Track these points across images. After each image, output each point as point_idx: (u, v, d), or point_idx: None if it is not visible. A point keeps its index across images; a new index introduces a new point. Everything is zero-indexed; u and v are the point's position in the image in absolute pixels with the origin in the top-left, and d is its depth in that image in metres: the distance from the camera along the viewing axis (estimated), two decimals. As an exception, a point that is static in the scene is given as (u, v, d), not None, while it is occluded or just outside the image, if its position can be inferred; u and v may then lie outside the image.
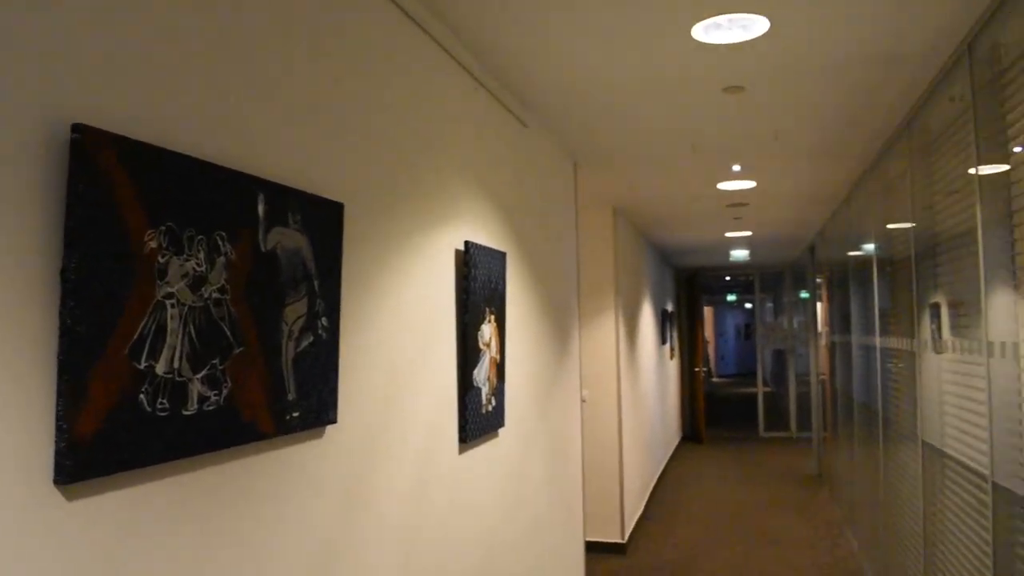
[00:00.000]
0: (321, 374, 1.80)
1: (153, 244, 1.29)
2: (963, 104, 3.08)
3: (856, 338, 5.96)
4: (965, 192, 3.12)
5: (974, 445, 3.07)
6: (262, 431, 1.58)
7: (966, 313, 3.27)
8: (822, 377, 9.01)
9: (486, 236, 3.08)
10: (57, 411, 1.14)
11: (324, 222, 1.81)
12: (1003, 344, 2.74)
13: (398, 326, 2.25)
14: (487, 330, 3.02)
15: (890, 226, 4.61)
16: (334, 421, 1.86)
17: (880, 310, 4.98)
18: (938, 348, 3.65)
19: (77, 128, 1.17)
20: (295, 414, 1.70)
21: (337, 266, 1.87)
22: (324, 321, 1.81)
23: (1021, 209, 2.65)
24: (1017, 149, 2.68)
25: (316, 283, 1.78)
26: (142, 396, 1.27)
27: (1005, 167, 2.74)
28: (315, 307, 1.78)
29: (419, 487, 2.37)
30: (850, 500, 6.57)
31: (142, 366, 1.27)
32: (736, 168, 4.98)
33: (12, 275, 1.10)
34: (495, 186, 3.21)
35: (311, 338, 1.76)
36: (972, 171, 2.89)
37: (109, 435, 1.21)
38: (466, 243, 2.78)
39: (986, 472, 2.85)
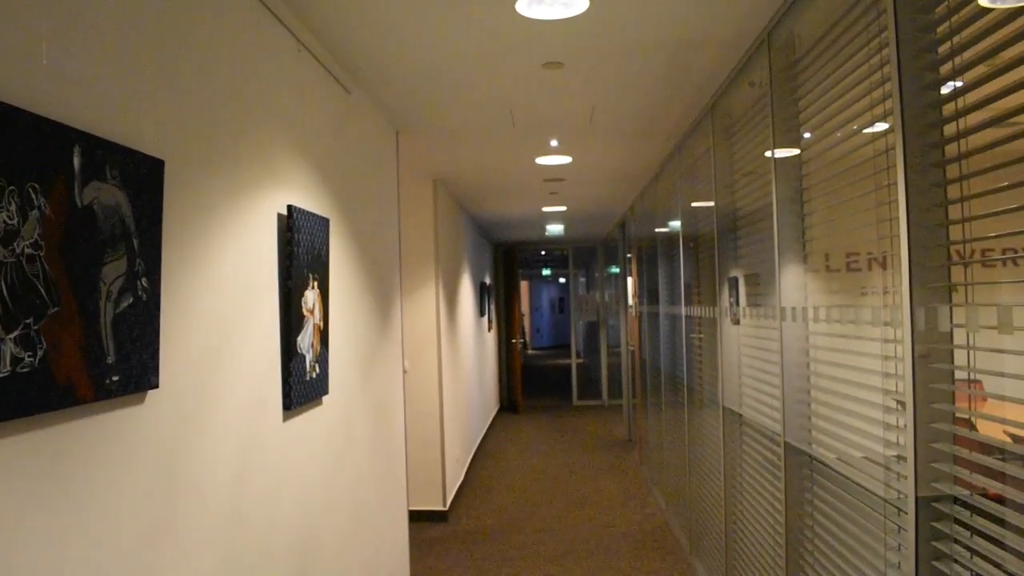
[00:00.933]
0: (141, 336, 1.75)
1: (-41, 193, 1.22)
2: (761, 90, 3.38)
3: (663, 309, 6.38)
4: (762, 173, 3.43)
5: (769, 408, 3.41)
6: (80, 395, 1.52)
7: (760, 283, 3.61)
8: (631, 348, 9.55)
9: (309, 201, 3.06)
10: None
11: (144, 178, 1.75)
12: (793, 309, 3.06)
13: (220, 289, 2.20)
14: (311, 296, 3.01)
15: (694, 204, 4.97)
16: (156, 386, 1.82)
17: (685, 284, 5.36)
18: (735, 318, 4.00)
19: None
20: (115, 378, 1.65)
21: (157, 225, 1.81)
22: (144, 282, 1.76)
23: (809, 188, 2.96)
24: (807, 135, 2.98)
25: (135, 242, 1.72)
26: (-52, 355, 1.20)
27: (796, 151, 3.05)
28: (135, 267, 1.72)
29: (243, 455, 2.34)
30: (659, 462, 7.04)
31: (-52, 323, 1.20)
32: (554, 143, 5.17)
33: None
34: (319, 152, 3.19)
35: (131, 299, 1.71)
36: (768, 154, 3.18)
37: (-88, 396, 1.14)
38: (289, 207, 2.75)
39: (779, 432, 3.18)
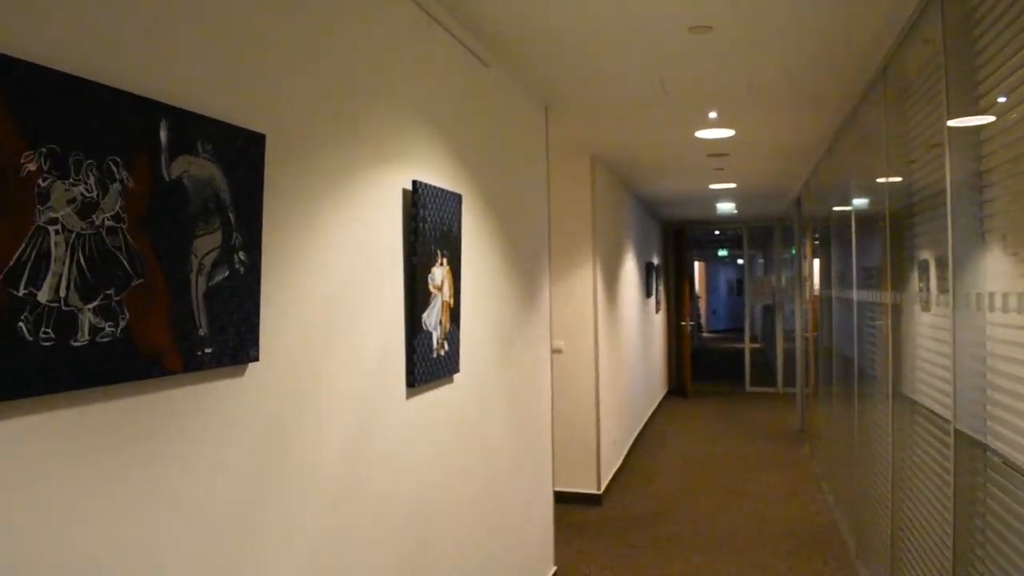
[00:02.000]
0: (239, 310, 1.77)
1: (31, 166, 1.25)
2: (935, 48, 3.01)
3: (840, 293, 5.95)
4: (935, 145, 3.06)
5: (940, 393, 3.06)
6: (167, 367, 1.55)
7: (945, 266, 3.23)
8: (808, 334, 9.03)
9: (439, 177, 3.04)
10: (-79, 336, 1.11)
11: (241, 153, 1.77)
12: (967, 295, 2.71)
13: (333, 264, 2.21)
14: (439, 273, 2.99)
15: (869, 180, 4.56)
16: (256, 359, 1.84)
17: (862, 266, 4.95)
18: (925, 304, 3.62)
19: (-64, 39, 1.12)
20: (208, 350, 1.67)
21: (257, 199, 1.83)
22: (242, 255, 1.78)
23: (994, 169, 2.57)
24: (1002, 99, 2.57)
25: (232, 215, 1.74)
26: (21, 324, 1.24)
27: (978, 120, 2.67)
28: (231, 240, 1.74)
29: (359, 432, 2.36)
30: (829, 457, 6.62)
31: (21, 293, 1.24)
32: (713, 115, 4.92)
33: None
34: (451, 127, 3.16)
35: (226, 272, 1.73)
36: (945, 123, 2.82)
37: (-18, 362, 1.18)
38: (414, 183, 2.74)
39: (949, 418, 2.85)
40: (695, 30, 3.34)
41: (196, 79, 1.67)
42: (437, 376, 2.98)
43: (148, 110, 1.50)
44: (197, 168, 1.63)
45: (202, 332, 1.65)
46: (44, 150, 1.28)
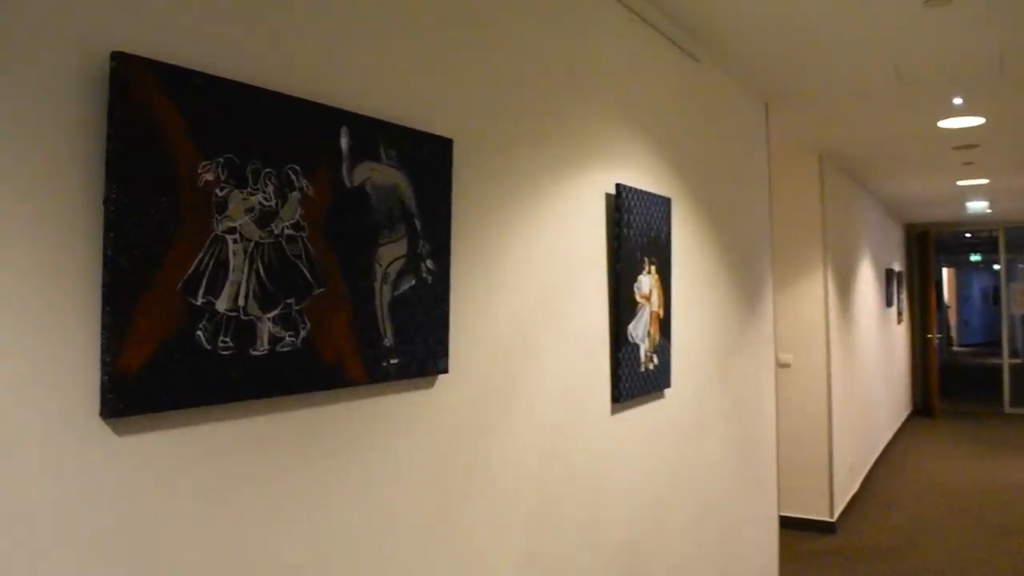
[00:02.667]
0: (427, 320, 1.72)
1: (209, 176, 1.25)
2: None
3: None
4: None
5: None
6: (350, 377, 1.52)
7: None
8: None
9: (645, 179, 2.88)
10: (102, 343, 1.13)
11: (428, 158, 1.71)
12: None
13: (530, 273, 2.12)
14: (646, 282, 2.83)
15: None
16: (445, 371, 1.78)
17: None
18: None
19: (116, 56, 1.13)
20: (393, 361, 1.63)
21: (445, 206, 1.77)
22: (429, 263, 1.72)
23: None
24: None
25: (418, 223, 1.69)
26: (199, 333, 1.24)
27: None
28: (417, 248, 1.69)
29: (557, 449, 2.24)
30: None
31: (199, 302, 1.24)
32: (958, 102, 4.37)
33: (55, 206, 1.09)
34: (658, 127, 2.99)
35: (412, 281, 1.68)
36: None
37: (160, 371, 1.18)
38: (617, 186, 2.60)
39: None
40: (931, 3, 2.94)
41: (377, 84, 1.63)
42: (645, 391, 2.81)
43: (327, 117, 1.47)
44: (380, 175, 1.59)
45: (387, 342, 1.61)
46: (221, 160, 1.27)
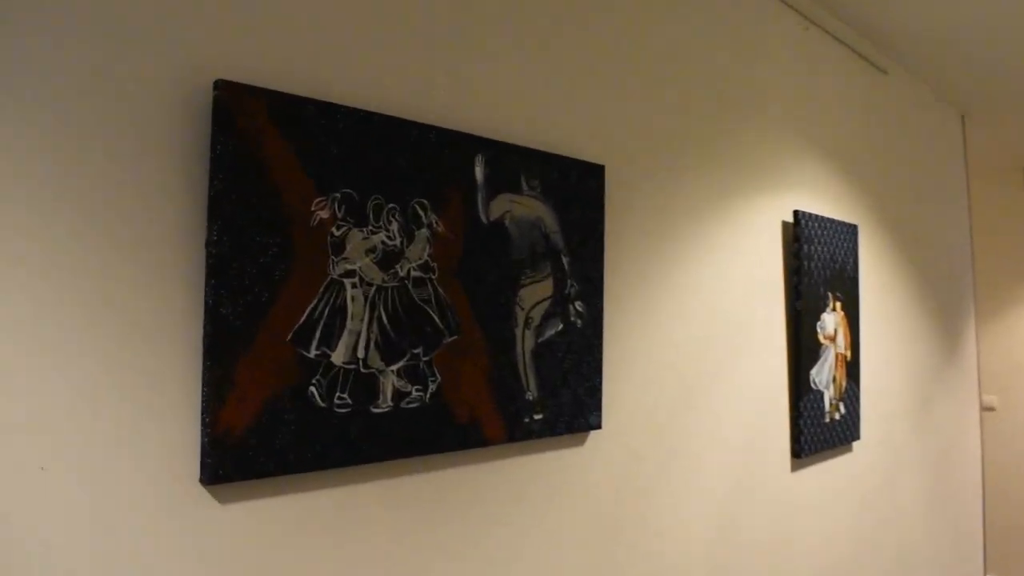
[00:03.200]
0: (576, 369, 1.52)
1: (324, 214, 1.12)
2: None
3: None
4: None
5: None
6: (486, 436, 1.34)
7: None
8: None
9: (826, 205, 2.57)
10: (201, 403, 1.01)
11: (575, 188, 1.53)
12: None
13: (694, 312, 1.88)
14: (830, 320, 2.51)
15: None
16: (598, 426, 1.57)
17: None
18: None
19: (219, 84, 1.02)
20: (537, 417, 1.44)
21: (597, 240, 1.58)
22: (578, 305, 1.53)
23: None
24: None
25: (565, 260, 1.50)
26: (312, 389, 1.10)
27: None
28: (565, 288, 1.50)
29: (728, 511, 1.98)
30: None
31: (312, 354, 1.10)
32: None
33: (155, 250, 0.98)
34: (840, 146, 2.67)
35: (559, 325, 1.49)
36: None
37: (267, 432, 1.05)
38: (796, 213, 2.32)
39: None
40: None
41: (516, 107, 1.47)
42: (830, 444, 2.48)
43: (459, 146, 1.31)
44: (521, 208, 1.42)
45: (530, 396, 1.42)
46: (338, 195, 1.14)
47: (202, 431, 1.00)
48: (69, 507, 0.90)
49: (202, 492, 1.01)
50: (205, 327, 1.00)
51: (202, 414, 1.00)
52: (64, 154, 0.91)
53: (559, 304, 1.49)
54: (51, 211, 0.89)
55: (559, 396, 1.48)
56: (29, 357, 0.87)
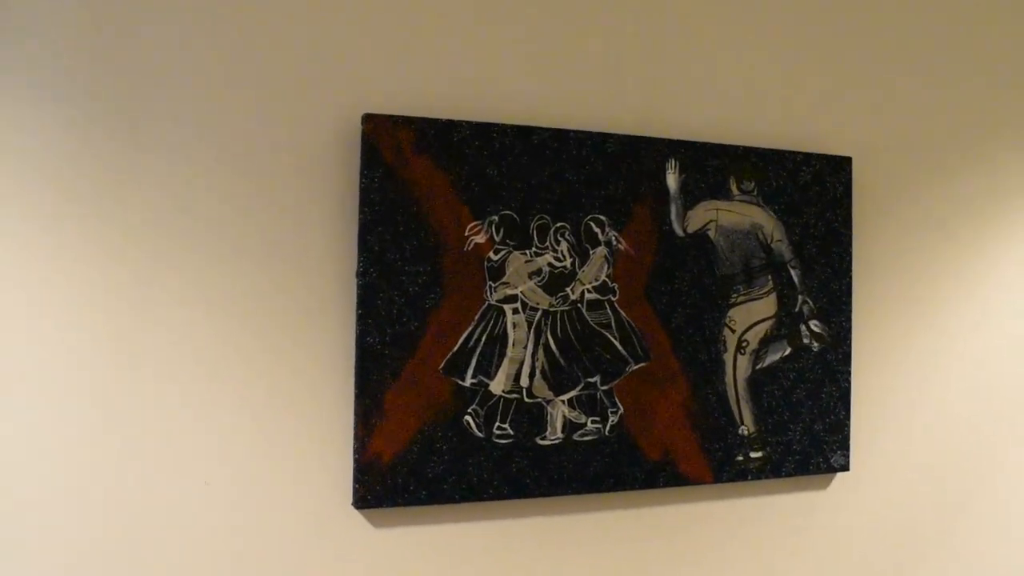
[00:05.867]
0: (811, 401, 1.45)
1: (479, 238, 1.21)
2: None
3: None
4: None
5: None
6: (685, 474, 1.34)
7: None
8: None
9: None
10: (355, 431, 1.15)
11: (809, 186, 1.46)
12: None
13: (978, 338, 1.68)
14: None
15: None
16: (843, 467, 1.49)
17: None
18: None
19: (366, 119, 1.16)
20: (754, 455, 1.40)
21: (841, 247, 1.49)
22: (814, 325, 1.46)
23: None
24: None
25: (794, 272, 1.44)
26: (468, 418, 1.20)
27: None
28: (794, 306, 1.44)
29: None
30: None
31: (467, 383, 1.20)
32: None
33: (311, 282, 1.15)
34: None
35: (786, 350, 1.44)
36: None
37: (418, 461, 1.16)
38: None
39: None
40: None
41: (718, 98, 1.43)
42: None
43: (641, 152, 1.32)
44: (731, 216, 1.39)
45: (745, 430, 1.39)
46: (495, 218, 1.22)
47: (353, 457, 1.14)
48: (229, 520, 1.09)
49: (354, 515, 1.15)
50: (356, 356, 1.14)
51: (354, 440, 1.14)
52: (229, 197, 1.10)
53: (786, 324, 1.43)
54: (229, 255, 1.09)
55: (786, 432, 1.43)
56: (208, 382, 1.08)
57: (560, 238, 1.26)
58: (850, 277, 1.49)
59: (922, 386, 1.58)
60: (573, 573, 1.28)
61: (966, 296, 1.65)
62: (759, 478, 1.40)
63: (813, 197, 1.46)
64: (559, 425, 1.25)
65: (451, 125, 1.20)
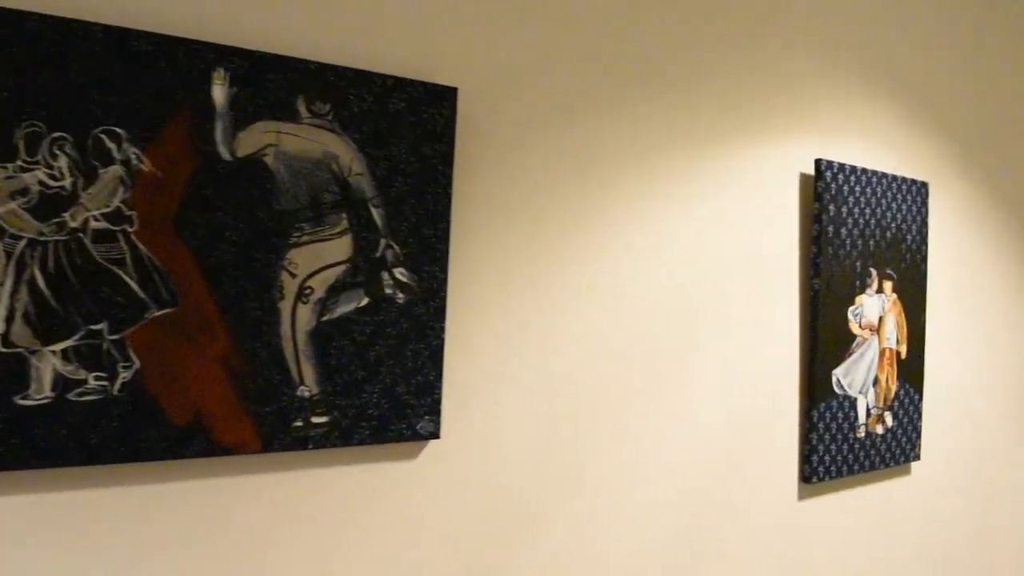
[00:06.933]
0: (395, 359, 1.34)
1: (-70, 141, 0.98)
2: None
3: None
4: None
5: None
6: (221, 441, 1.19)
7: None
8: None
9: (875, 152, 2.25)
10: None
11: (399, 117, 1.34)
12: None
13: (598, 290, 1.66)
14: (872, 305, 2.21)
15: None
16: (434, 435, 1.39)
17: None
18: None
19: None
20: (318, 419, 1.27)
21: (439, 188, 1.38)
22: (400, 274, 1.35)
23: None
24: None
25: (376, 212, 1.32)
26: (-94, 372, 0.98)
27: None
28: (373, 250, 1.32)
29: (696, 553, 1.75)
30: None
31: (-93, 326, 0.98)
32: None
33: None
34: (898, 71, 2.34)
35: (363, 299, 1.31)
36: None
37: None
38: (818, 163, 2.03)
39: None
40: None
41: (292, 8, 1.28)
42: (868, 466, 2.19)
43: (178, 57, 1.15)
44: (296, 141, 1.24)
45: (304, 392, 1.26)
46: (-44, 117, 1.00)
47: None
48: None
49: None
50: None
51: None
52: None
53: (363, 271, 1.31)
54: None
55: (361, 393, 1.31)
56: None
57: (58, 151, 1.05)
58: (448, 222, 1.39)
59: (526, 346, 1.52)
60: (66, 564, 1.10)
61: (576, 250, 1.60)
62: (324, 446, 1.27)
63: (405, 129, 1.34)
64: (47, 382, 1.05)
65: None
